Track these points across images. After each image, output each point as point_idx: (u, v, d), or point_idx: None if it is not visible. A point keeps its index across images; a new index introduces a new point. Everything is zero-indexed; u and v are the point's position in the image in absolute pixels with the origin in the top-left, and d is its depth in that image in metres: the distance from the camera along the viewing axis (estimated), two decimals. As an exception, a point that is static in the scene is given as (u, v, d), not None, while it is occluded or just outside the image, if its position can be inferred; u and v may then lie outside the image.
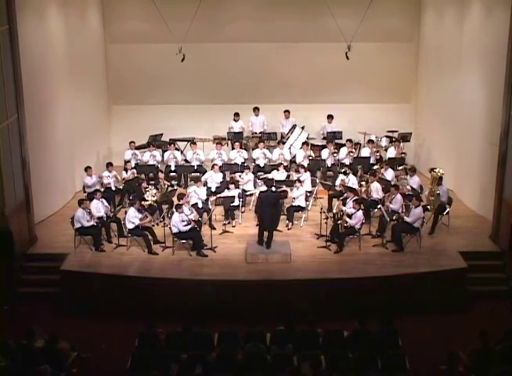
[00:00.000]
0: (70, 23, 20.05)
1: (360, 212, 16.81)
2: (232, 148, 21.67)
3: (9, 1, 15.95)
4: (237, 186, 18.75)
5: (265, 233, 16.87)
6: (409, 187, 18.64)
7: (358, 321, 12.92)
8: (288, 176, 19.69)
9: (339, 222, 16.96)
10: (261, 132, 22.72)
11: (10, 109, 16.35)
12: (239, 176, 19.57)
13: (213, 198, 18.47)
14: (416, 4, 22.86)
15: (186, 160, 21.56)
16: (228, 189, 18.51)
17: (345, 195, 17.91)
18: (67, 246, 16.96)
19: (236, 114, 22.61)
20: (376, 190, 18.40)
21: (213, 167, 19.77)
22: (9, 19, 16.06)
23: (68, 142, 20.14)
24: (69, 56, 19.96)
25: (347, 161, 20.91)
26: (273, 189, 17.53)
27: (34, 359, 11.84)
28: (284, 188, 18.49)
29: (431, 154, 22.28)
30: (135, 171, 20.08)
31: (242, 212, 18.79)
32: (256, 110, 22.79)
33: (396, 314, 13.83)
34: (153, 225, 17.79)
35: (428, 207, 18.02)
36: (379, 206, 17.66)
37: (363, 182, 19.09)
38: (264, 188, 17.47)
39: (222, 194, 18.40)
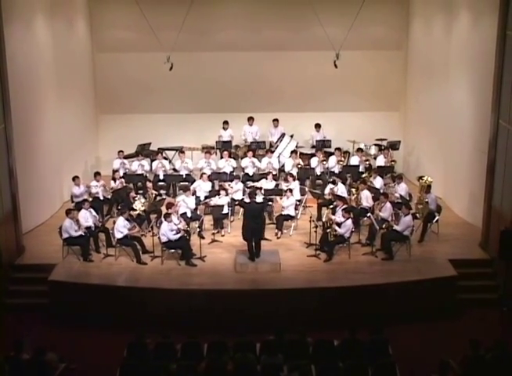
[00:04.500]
0: (57, 32, 20.01)
1: (349, 221, 16.81)
2: (221, 157, 21.64)
3: (-5, 11, 15.93)
4: (227, 194, 18.74)
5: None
6: (397, 195, 18.68)
7: (348, 330, 12.91)
8: (277, 185, 19.67)
9: (328, 230, 16.93)
10: (251, 141, 22.72)
11: (-3, 118, 16.32)
12: (229, 185, 19.54)
13: (203, 203, 18.46)
14: (405, 12, 22.94)
15: (175, 170, 21.55)
16: (219, 195, 18.48)
17: (335, 204, 17.92)
18: (55, 256, 16.87)
19: (226, 122, 22.59)
20: (366, 198, 18.41)
21: (201, 176, 19.74)
22: (-5, 28, 16.04)
23: (56, 152, 20.07)
24: (56, 65, 19.93)
25: (336, 170, 20.93)
26: (257, 200, 17.49)
27: (21, 371, 11.76)
28: (273, 197, 18.52)
29: (420, 162, 22.34)
30: (123, 180, 20.04)
31: (231, 221, 18.77)
32: (250, 119, 22.76)
33: (386, 323, 13.84)
34: (142, 235, 17.74)
35: (417, 215, 18.03)
36: (368, 214, 17.66)
37: (353, 190, 19.11)
38: (247, 199, 17.44)
39: (212, 202, 18.36)
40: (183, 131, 23.24)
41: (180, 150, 21.84)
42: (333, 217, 17.19)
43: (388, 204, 17.65)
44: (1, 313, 15.62)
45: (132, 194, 19.22)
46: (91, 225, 17.30)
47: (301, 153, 21.93)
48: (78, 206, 18.11)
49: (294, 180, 19.35)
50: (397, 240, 17.01)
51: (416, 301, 15.57)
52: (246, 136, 22.91)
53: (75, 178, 19.20)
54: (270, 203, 18.62)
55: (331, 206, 18.08)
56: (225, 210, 18.34)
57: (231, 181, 19.81)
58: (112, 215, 19.05)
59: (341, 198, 17.96)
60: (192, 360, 12.25)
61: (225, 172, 20.68)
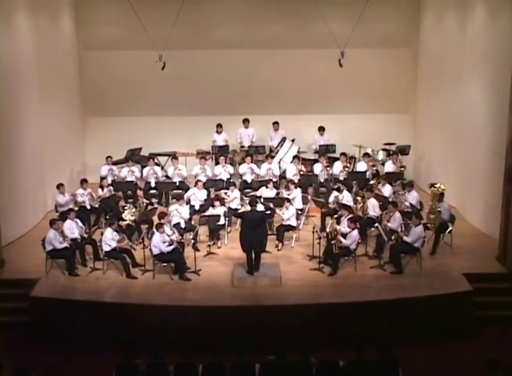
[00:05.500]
0: (41, 29, 20.04)
1: (356, 231, 16.77)
2: (217, 163, 21.63)
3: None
4: (223, 204, 18.72)
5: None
6: (407, 204, 18.65)
7: (354, 350, 12.86)
8: (278, 194, 19.65)
9: (333, 242, 16.90)
10: (249, 146, 22.73)
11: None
12: (225, 193, 19.53)
13: (197, 217, 18.40)
14: (415, 7, 23.01)
15: (167, 177, 21.56)
16: (213, 206, 18.45)
17: (339, 213, 17.89)
18: (38, 270, 16.81)
19: (219, 126, 22.62)
20: (373, 207, 18.39)
21: (196, 183, 19.74)
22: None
23: (39, 158, 20.07)
24: (39, 65, 19.93)
25: (341, 176, 20.93)
26: (258, 208, 17.44)
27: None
28: (272, 207, 18.47)
29: (432, 168, 22.35)
30: (111, 188, 20.05)
31: (228, 232, 18.75)
32: (246, 121, 22.83)
33: (396, 342, 13.75)
34: (132, 247, 17.71)
35: (429, 225, 17.99)
36: (376, 224, 17.63)
37: (359, 198, 19.09)
38: (248, 208, 17.38)
39: (207, 213, 18.35)
40: (176, 136, 23.29)
41: (173, 156, 21.85)
42: (337, 227, 17.17)
43: (397, 214, 17.62)
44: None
45: (122, 203, 19.24)
46: (77, 236, 17.25)
47: (304, 159, 21.94)
48: (63, 216, 18.06)
49: (296, 188, 19.34)
50: (407, 253, 16.96)
51: (428, 319, 15.51)
52: (241, 140, 22.94)
53: (60, 186, 19.16)
54: (270, 212, 18.57)
55: (336, 215, 18.10)
56: (222, 220, 18.32)
57: (228, 189, 19.80)
58: (99, 225, 19.03)
59: (347, 207, 17.95)
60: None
61: (221, 179, 20.68)
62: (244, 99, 23.43)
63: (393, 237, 17.13)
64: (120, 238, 17.12)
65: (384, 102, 23.46)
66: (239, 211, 17.82)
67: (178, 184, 20.98)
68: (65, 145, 21.75)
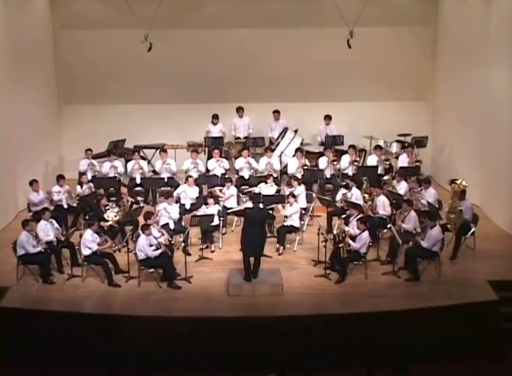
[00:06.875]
0: (10, 4, 19.96)
1: (366, 233, 16.76)
2: (210, 156, 21.63)
3: None
4: (217, 202, 18.72)
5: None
6: (424, 202, 18.61)
7: (365, 367, 12.87)
8: (278, 191, 19.65)
9: (340, 245, 16.91)
10: (245, 137, 22.72)
11: None
12: (220, 191, 19.53)
13: (188, 217, 18.42)
14: (433, -20, 23.05)
15: (155, 172, 21.58)
16: (206, 204, 18.45)
17: (348, 213, 17.90)
18: (8, 277, 16.80)
19: (215, 116, 22.61)
20: (382, 205, 18.36)
21: (187, 179, 19.72)
22: None
23: (9, 151, 20.01)
24: (9, 45, 19.85)
25: (349, 172, 20.93)
26: (261, 205, 17.42)
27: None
28: (274, 205, 18.45)
29: (452, 162, 22.36)
30: (92, 185, 20.05)
31: (223, 234, 18.77)
32: (240, 110, 22.82)
33: (412, 358, 13.78)
34: (115, 251, 17.72)
35: (448, 226, 17.97)
36: (389, 225, 17.62)
37: (366, 196, 19.05)
38: (250, 204, 17.34)
39: (199, 212, 18.35)
40: (165, 126, 23.32)
41: (161, 149, 21.83)
42: (346, 229, 17.16)
43: (413, 214, 17.58)
44: None
45: (103, 202, 19.21)
46: (52, 239, 17.23)
47: (308, 152, 21.96)
48: (37, 216, 18.04)
49: (299, 184, 19.33)
50: (424, 257, 16.94)
51: (448, 332, 15.49)
52: (236, 131, 22.94)
53: (33, 183, 19.15)
54: (271, 211, 18.59)
55: (344, 215, 18.08)
56: (216, 221, 18.31)
57: (222, 185, 19.80)
58: (78, 227, 19.04)
59: (356, 206, 17.94)
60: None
61: (215, 175, 20.71)
62: (241, 85, 23.44)
63: (410, 243, 17.06)
64: (102, 241, 17.08)
65: (398, 87, 23.47)
66: (242, 208, 17.78)
67: (166, 180, 21.00)
68: (39, 136, 21.74)
